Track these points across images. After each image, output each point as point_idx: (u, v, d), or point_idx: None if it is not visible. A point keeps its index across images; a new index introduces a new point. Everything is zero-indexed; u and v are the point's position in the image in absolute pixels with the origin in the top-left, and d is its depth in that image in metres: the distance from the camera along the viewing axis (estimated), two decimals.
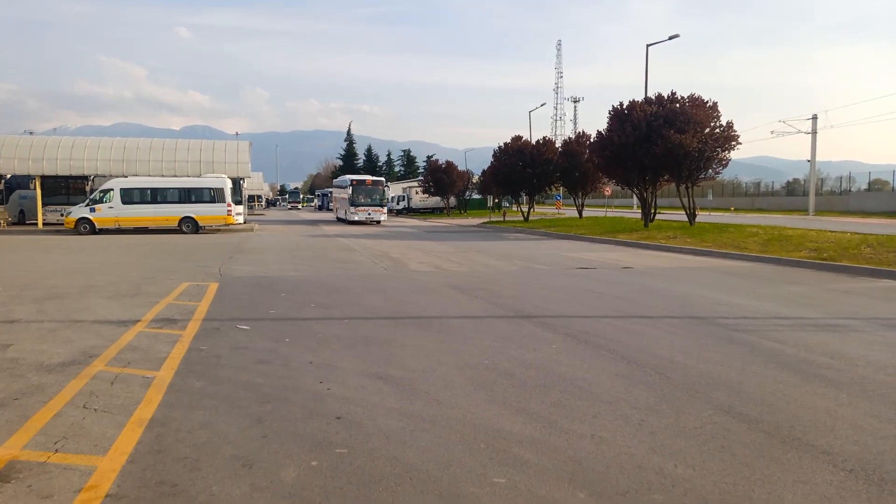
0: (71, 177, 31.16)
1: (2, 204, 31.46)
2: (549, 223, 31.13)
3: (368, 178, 40.81)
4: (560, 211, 49.87)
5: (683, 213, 24.09)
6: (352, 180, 38.43)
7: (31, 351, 5.96)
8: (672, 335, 6.70)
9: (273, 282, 11.16)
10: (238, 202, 29.87)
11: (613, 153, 23.59)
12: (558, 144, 36.95)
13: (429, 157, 76.66)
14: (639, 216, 27.20)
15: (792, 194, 56.05)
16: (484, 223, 35.88)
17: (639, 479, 3.31)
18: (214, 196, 27.21)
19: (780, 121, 41.64)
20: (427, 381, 5.04)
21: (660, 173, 23.51)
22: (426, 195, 51.08)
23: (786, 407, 4.43)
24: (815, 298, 9.30)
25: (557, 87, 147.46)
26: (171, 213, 26.91)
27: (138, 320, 7.46)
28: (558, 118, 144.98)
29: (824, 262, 13.26)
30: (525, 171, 33.64)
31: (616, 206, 56.96)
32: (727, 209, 50.26)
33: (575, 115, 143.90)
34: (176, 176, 29.42)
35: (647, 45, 33.09)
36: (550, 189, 40.51)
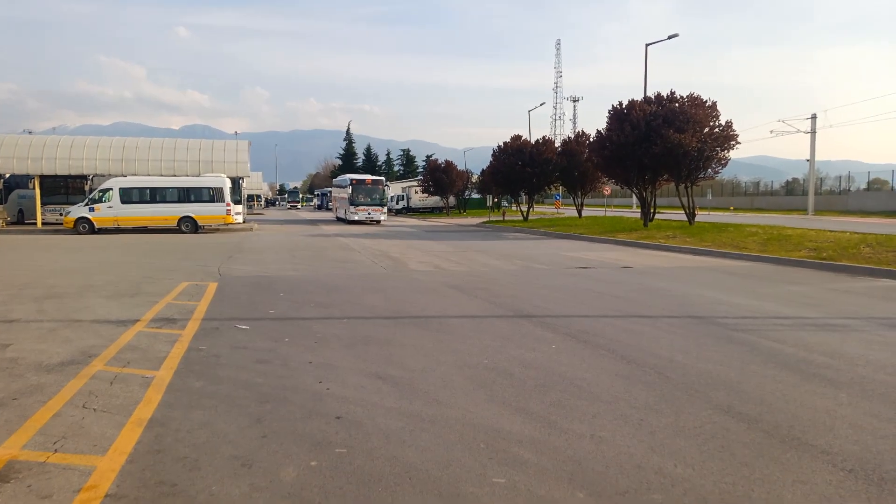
0: (70, 176, 31.11)
1: (1, 203, 31.42)
2: (548, 223, 31.14)
3: (368, 177, 40.75)
4: (559, 210, 49.88)
5: (683, 212, 24.11)
6: (352, 180, 38.34)
7: (30, 350, 5.95)
8: (671, 335, 6.70)
9: (272, 281, 11.15)
10: (237, 202, 29.85)
11: (613, 153, 23.59)
12: (558, 144, 36.96)
13: (428, 157, 76.62)
14: (638, 216, 27.21)
15: (791, 194, 56.07)
16: (483, 223, 35.89)
17: (638, 478, 3.31)
18: (213, 195, 27.19)
19: (779, 120, 41.70)
20: (426, 380, 5.04)
21: (659, 173, 23.52)
22: (425, 195, 51.07)
23: (785, 406, 4.43)
24: (814, 298, 9.31)
25: (557, 87, 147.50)
26: (171, 212, 26.89)
27: (137, 320, 7.46)
28: (558, 118, 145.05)
29: (824, 261, 13.27)
30: (524, 171, 33.63)
31: (615, 206, 56.95)
32: (726, 209, 50.28)
33: (574, 115, 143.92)
34: (175, 175, 29.40)
35: (647, 45, 33.16)
36: (550, 189, 40.53)
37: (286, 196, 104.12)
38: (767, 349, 6.05)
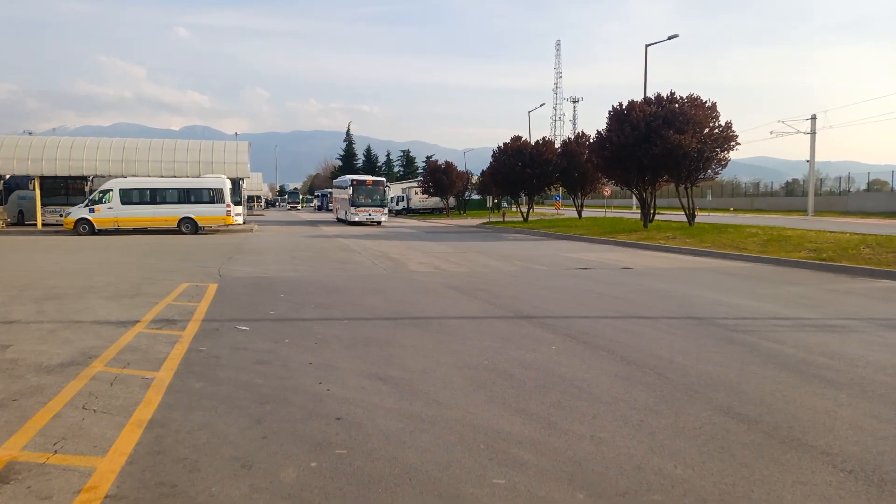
0: (70, 177, 31.14)
1: (1, 204, 31.43)
2: (548, 223, 31.14)
3: (369, 178, 40.56)
4: (559, 211, 49.88)
5: (682, 213, 24.11)
6: (352, 180, 38.17)
7: (30, 351, 5.95)
8: (671, 336, 6.70)
9: (272, 282, 11.15)
10: (237, 202, 29.86)
11: (613, 153, 23.60)
12: (557, 145, 36.98)
13: (428, 158, 76.63)
14: (638, 217, 27.21)
15: (791, 195, 56.07)
16: (483, 224, 35.87)
17: (638, 479, 3.31)
18: (214, 196, 27.20)
19: (779, 121, 41.65)
20: (426, 381, 5.04)
21: (659, 173, 23.53)
22: (425, 196, 51.03)
23: (785, 407, 4.43)
24: (814, 299, 9.31)
25: (557, 88, 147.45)
26: (171, 213, 26.89)
27: (138, 321, 7.46)
28: (558, 118, 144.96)
29: (823, 262, 13.27)
30: (524, 172, 33.64)
31: (615, 207, 56.99)
32: (726, 209, 50.30)
33: (574, 116, 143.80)
34: (175, 176, 29.41)
35: (647, 45, 33.17)
36: (550, 189, 40.53)
37: (286, 197, 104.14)
38: (767, 350, 6.05)
